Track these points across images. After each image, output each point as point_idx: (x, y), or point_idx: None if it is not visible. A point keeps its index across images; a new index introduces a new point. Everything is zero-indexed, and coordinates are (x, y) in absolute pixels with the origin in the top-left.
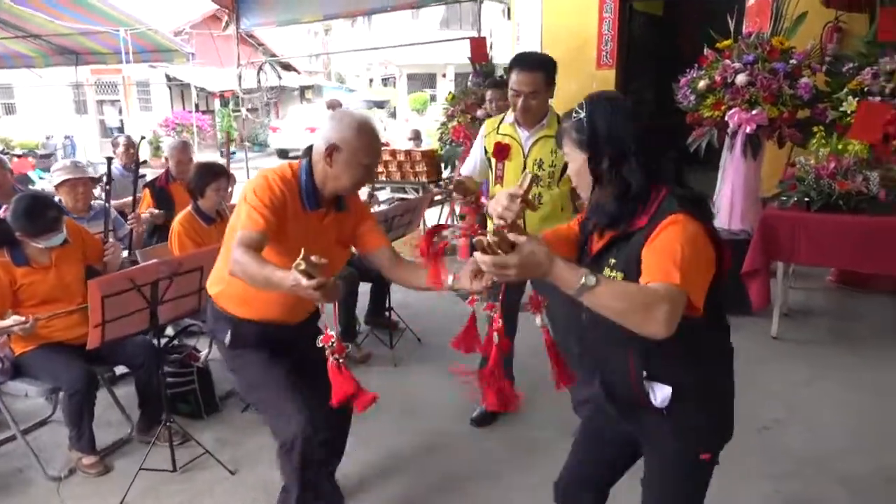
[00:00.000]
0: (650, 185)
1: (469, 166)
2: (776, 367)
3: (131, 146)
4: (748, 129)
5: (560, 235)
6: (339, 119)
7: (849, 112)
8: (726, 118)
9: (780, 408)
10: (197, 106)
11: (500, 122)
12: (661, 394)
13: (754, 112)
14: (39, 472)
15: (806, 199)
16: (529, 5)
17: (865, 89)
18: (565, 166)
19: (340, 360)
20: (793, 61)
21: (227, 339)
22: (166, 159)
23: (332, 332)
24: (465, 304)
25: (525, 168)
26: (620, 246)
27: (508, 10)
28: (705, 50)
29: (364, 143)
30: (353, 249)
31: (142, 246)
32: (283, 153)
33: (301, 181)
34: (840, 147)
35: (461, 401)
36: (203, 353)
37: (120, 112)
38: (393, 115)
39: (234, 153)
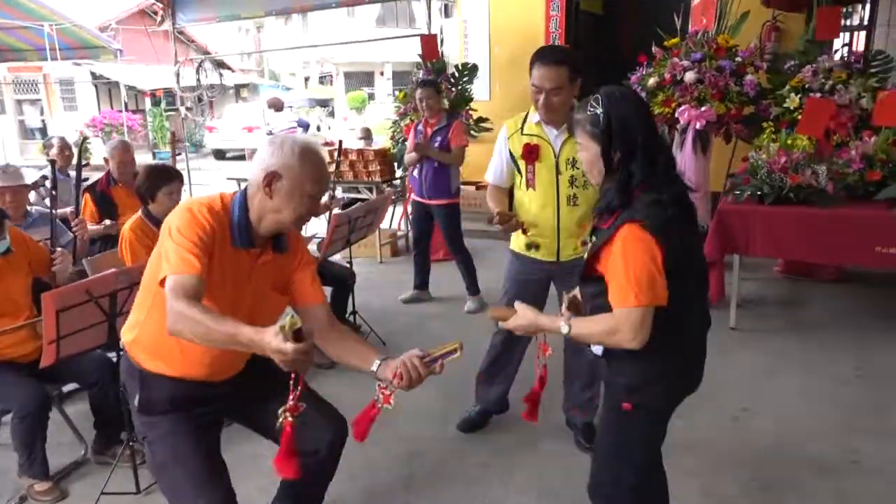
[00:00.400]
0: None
1: (494, 174)
2: (738, 358)
3: (66, 148)
4: (698, 126)
5: None
6: (280, 144)
7: (792, 108)
8: (676, 115)
9: (747, 397)
10: (126, 105)
11: (524, 122)
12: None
13: (703, 109)
14: None
15: (759, 192)
16: (476, 3)
17: (806, 86)
18: None
19: (290, 420)
20: (738, 59)
21: (136, 401)
22: (106, 161)
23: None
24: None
25: (558, 168)
26: (595, 234)
27: (446, 7)
28: (653, 48)
29: (309, 169)
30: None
31: (86, 255)
32: (219, 154)
33: (233, 215)
34: (789, 142)
35: (436, 405)
36: None
37: (42, 112)
38: (331, 113)
39: (179, 153)
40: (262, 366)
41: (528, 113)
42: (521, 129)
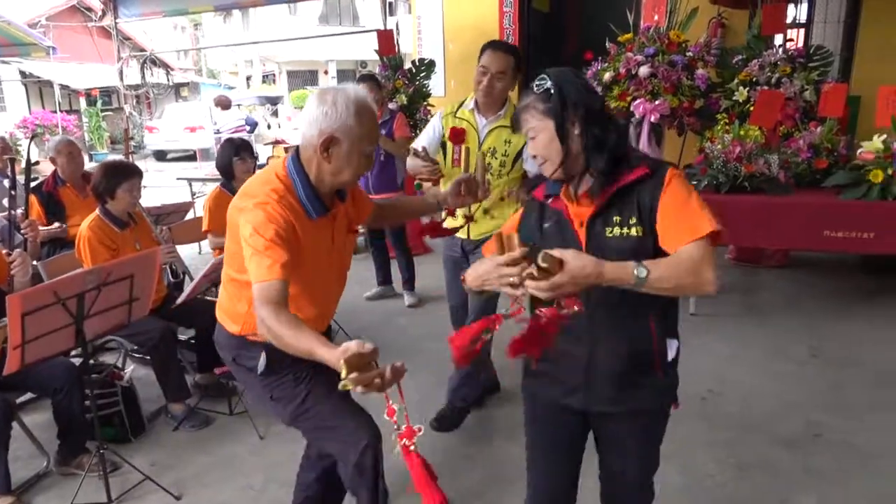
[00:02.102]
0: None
1: (423, 141)
2: (700, 342)
3: (7, 148)
4: (652, 118)
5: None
6: (333, 102)
7: (741, 101)
8: (632, 108)
9: (711, 380)
10: (59, 105)
11: (460, 107)
12: (672, 348)
13: (657, 102)
14: None
15: (715, 181)
16: None
17: (754, 79)
18: (517, 155)
19: (412, 449)
20: (689, 54)
21: (262, 365)
22: (52, 160)
23: (396, 407)
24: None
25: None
26: (624, 201)
27: (391, 5)
28: (606, 43)
29: (367, 129)
30: None
31: (37, 258)
32: (160, 154)
33: (298, 191)
34: (742, 133)
35: (416, 401)
36: (127, 371)
37: None
38: (275, 113)
39: (133, 152)
40: None
41: (465, 100)
42: (455, 112)
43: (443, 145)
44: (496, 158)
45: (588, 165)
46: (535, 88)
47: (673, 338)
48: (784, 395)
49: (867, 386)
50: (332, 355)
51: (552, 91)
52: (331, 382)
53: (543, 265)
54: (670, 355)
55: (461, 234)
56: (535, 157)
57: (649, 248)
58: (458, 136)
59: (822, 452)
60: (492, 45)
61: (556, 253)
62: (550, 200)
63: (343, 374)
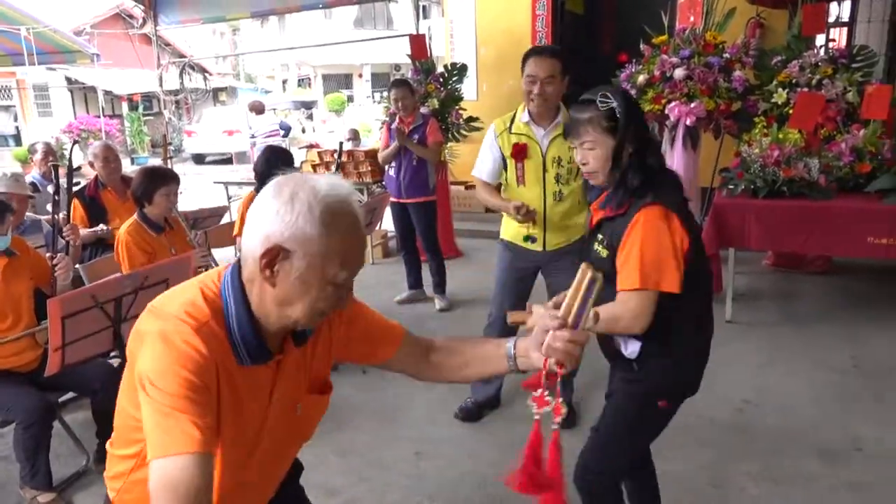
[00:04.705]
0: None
1: (485, 171)
2: (736, 350)
3: (51, 153)
4: (688, 122)
5: None
6: (291, 199)
7: (780, 103)
8: (666, 111)
9: (747, 389)
10: (103, 110)
11: (512, 121)
12: (630, 347)
13: (693, 105)
14: None
15: (752, 186)
16: (463, 3)
17: (794, 81)
18: None
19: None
20: (726, 55)
21: None
22: (91, 165)
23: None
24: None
25: (545, 166)
26: (606, 226)
27: (424, 8)
28: (641, 46)
29: (338, 244)
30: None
31: (79, 261)
32: (199, 158)
33: (229, 321)
34: (780, 136)
35: (438, 405)
36: None
37: (15, 118)
38: (310, 117)
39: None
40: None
41: (515, 113)
42: (510, 128)
43: (504, 164)
44: (563, 167)
45: (624, 182)
46: (600, 105)
47: (633, 339)
48: (823, 406)
49: None
50: None
51: (618, 112)
52: None
53: (514, 319)
54: (626, 351)
55: (534, 247)
56: (584, 164)
57: (609, 269)
58: (521, 152)
59: (862, 467)
60: (534, 52)
61: (534, 308)
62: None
63: None
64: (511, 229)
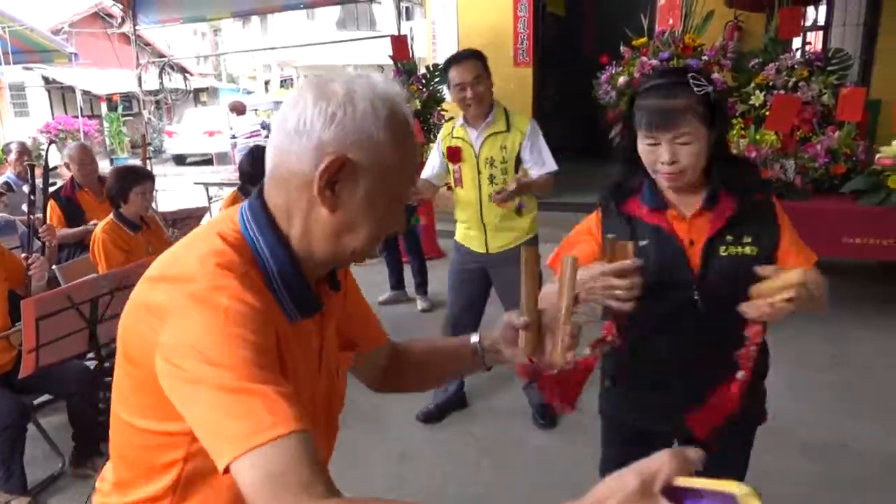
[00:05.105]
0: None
1: (428, 171)
2: None
3: (26, 153)
4: None
5: (585, 251)
6: (349, 99)
7: (757, 105)
8: None
9: None
10: (81, 110)
11: (454, 126)
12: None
13: None
14: None
15: None
16: (445, 4)
17: (770, 83)
18: (516, 161)
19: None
20: (704, 57)
21: None
22: (67, 166)
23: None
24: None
25: (479, 168)
26: (746, 220)
27: (407, 10)
28: (621, 47)
29: (409, 154)
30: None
31: (55, 262)
32: (180, 159)
33: (268, 268)
34: (758, 137)
35: (421, 405)
36: None
37: None
38: None
39: (150, 157)
40: None
41: (455, 119)
42: (452, 132)
43: (447, 167)
44: (496, 167)
45: (716, 177)
46: (696, 89)
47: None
48: (807, 403)
49: (891, 394)
50: None
51: (712, 98)
52: None
53: None
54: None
55: (478, 248)
56: (674, 162)
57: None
58: (454, 154)
59: (847, 462)
60: (454, 60)
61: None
62: (647, 213)
63: None
64: (459, 230)
